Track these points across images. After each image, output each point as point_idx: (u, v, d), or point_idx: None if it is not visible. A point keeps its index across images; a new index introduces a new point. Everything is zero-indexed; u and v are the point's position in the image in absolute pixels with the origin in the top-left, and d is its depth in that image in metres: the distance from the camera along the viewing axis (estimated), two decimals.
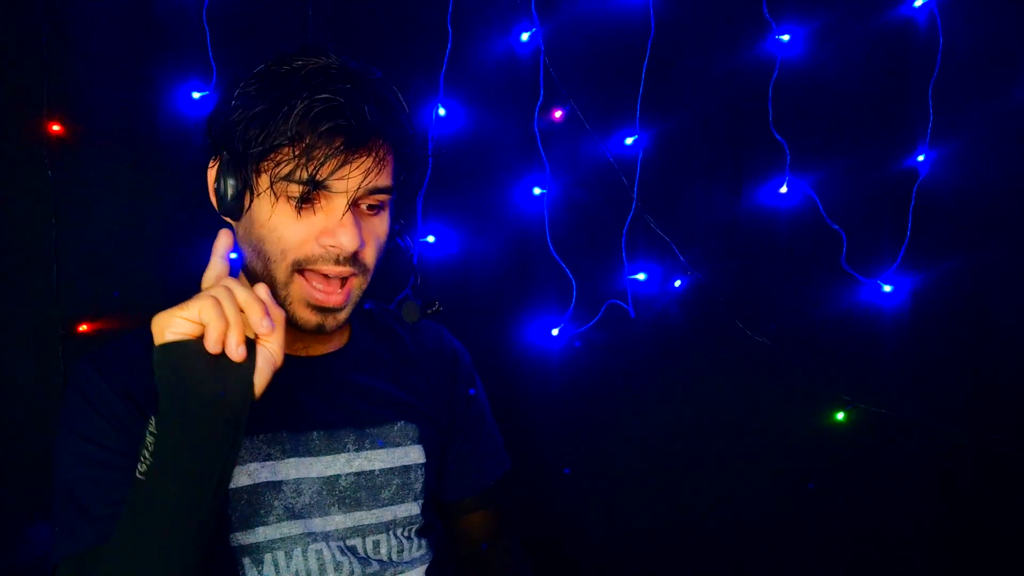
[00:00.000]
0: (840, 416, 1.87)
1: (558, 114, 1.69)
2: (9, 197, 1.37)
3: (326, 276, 0.98)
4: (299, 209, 0.95)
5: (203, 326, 0.81)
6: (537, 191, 1.69)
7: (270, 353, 0.86)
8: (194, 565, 0.83)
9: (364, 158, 0.94)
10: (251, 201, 0.97)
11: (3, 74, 1.36)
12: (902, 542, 1.94)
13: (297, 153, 0.91)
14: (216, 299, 0.82)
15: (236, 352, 0.82)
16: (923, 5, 1.84)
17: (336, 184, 0.94)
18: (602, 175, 1.72)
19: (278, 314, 0.86)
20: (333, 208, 0.96)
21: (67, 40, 1.38)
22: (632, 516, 1.82)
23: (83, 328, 1.39)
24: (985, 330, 1.94)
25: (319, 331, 1.00)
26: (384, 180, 0.98)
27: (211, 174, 1.02)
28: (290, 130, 0.91)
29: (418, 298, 1.09)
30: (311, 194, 0.94)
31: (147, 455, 0.82)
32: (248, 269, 1.01)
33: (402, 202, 1.09)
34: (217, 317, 0.81)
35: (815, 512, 1.88)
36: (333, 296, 0.98)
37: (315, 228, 0.96)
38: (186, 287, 1.31)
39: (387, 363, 1.15)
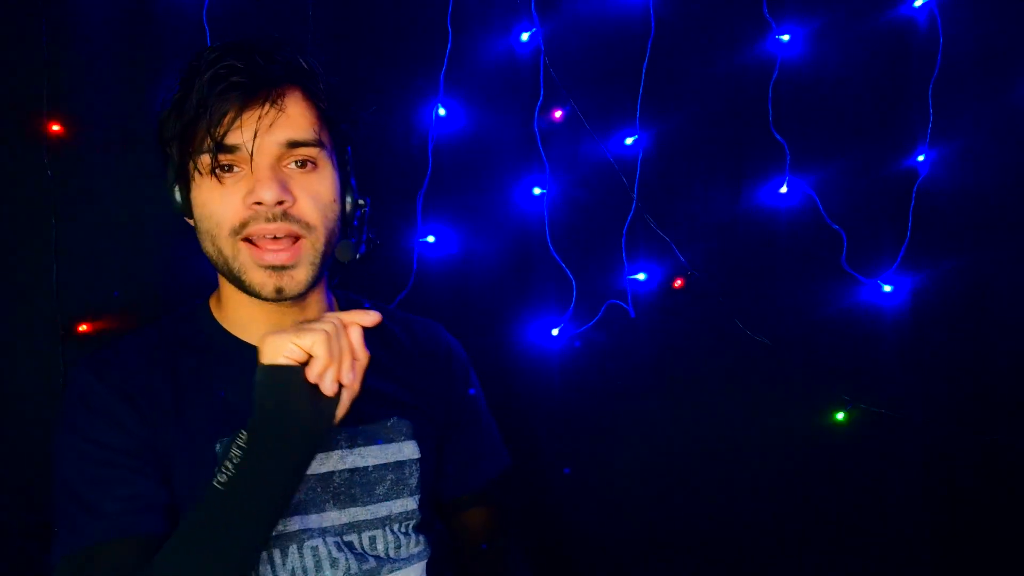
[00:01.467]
0: (840, 416, 1.87)
1: (558, 114, 1.69)
2: (9, 197, 1.37)
3: (275, 239, 0.97)
4: (220, 179, 0.96)
5: (310, 356, 0.86)
6: (537, 191, 1.69)
7: (351, 390, 0.90)
8: (245, 573, 0.88)
9: (260, 108, 0.95)
10: (190, 191, 0.99)
11: (3, 74, 1.36)
12: (902, 542, 1.94)
13: (202, 123, 0.94)
14: (328, 335, 0.86)
15: (330, 389, 0.87)
16: (923, 5, 1.84)
17: (235, 136, 0.94)
18: (602, 175, 1.72)
19: (364, 355, 0.91)
20: (253, 169, 0.96)
21: (67, 40, 1.38)
22: (632, 516, 1.82)
23: (83, 328, 1.39)
24: (985, 330, 1.95)
25: (279, 296, 0.98)
26: (299, 133, 0.98)
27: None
28: (194, 102, 0.93)
29: (352, 237, 1.09)
30: (220, 159, 0.95)
31: (230, 466, 0.85)
32: (212, 264, 1.02)
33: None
34: (326, 354, 0.85)
35: (815, 512, 1.88)
36: (282, 253, 0.97)
37: (240, 192, 0.97)
38: (186, 287, 1.31)
39: (381, 361, 1.15)
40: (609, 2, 1.71)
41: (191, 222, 1.04)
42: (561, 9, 1.67)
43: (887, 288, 1.87)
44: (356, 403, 1.09)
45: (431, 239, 1.62)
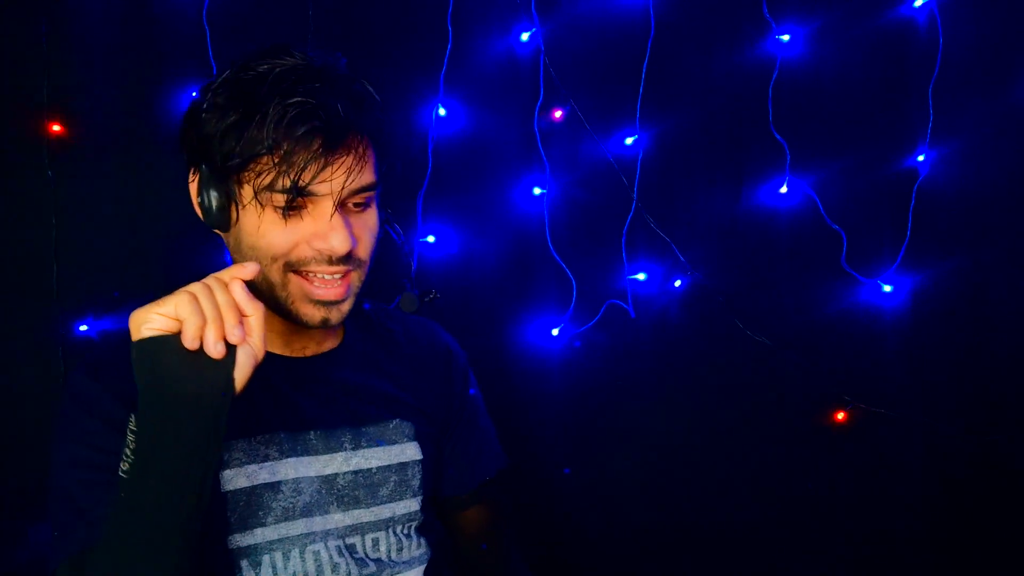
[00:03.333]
0: (840, 416, 1.87)
1: (558, 114, 1.69)
2: (9, 197, 1.37)
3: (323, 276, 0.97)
4: (286, 216, 0.95)
5: (180, 322, 0.79)
6: (537, 191, 1.69)
7: (251, 348, 0.83)
8: (183, 566, 0.83)
9: (344, 157, 0.93)
10: (237, 213, 0.96)
11: (3, 74, 1.36)
12: (902, 542, 1.94)
13: (277, 161, 0.90)
14: (193, 295, 0.80)
15: (214, 349, 0.80)
16: (923, 5, 1.84)
17: (320, 187, 0.93)
18: (602, 175, 1.72)
19: (255, 308, 0.84)
20: (320, 211, 0.95)
21: (67, 40, 1.38)
22: (632, 516, 1.82)
23: (83, 328, 1.39)
24: (985, 330, 1.95)
25: (324, 326, 0.99)
26: (368, 177, 0.97)
27: (193, 188, 1.01)
28: (267, 138, 0.89)
29: (415, 288, 1.09)
30: (296, 200, 0.94)
31: (128, 453, 0.81)
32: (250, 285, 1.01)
33: (390, 192, 1.08)
34: (193, 313, 0.79)
35: (815, 512, 1.88)
36: (334, 289, 0.98)
37: (305, 232, 0.95)
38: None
39: (381, 361, 1.16)
40: (609, 2, 1.71)
41: (219, 233, 1.01)
42: (561, 9, 1.67)
43: (887, 288, 1.87)
44: (358, 404, 1.09)
45: (431, 239, 1.62)
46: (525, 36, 1.66)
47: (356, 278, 1.01)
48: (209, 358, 0.80)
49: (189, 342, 0.79)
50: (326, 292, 0.97)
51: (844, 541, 1.91)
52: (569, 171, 1.71)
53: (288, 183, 0.91)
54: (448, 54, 1.59)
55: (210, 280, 0.83)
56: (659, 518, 1.82)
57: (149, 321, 0.79)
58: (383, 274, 1.59)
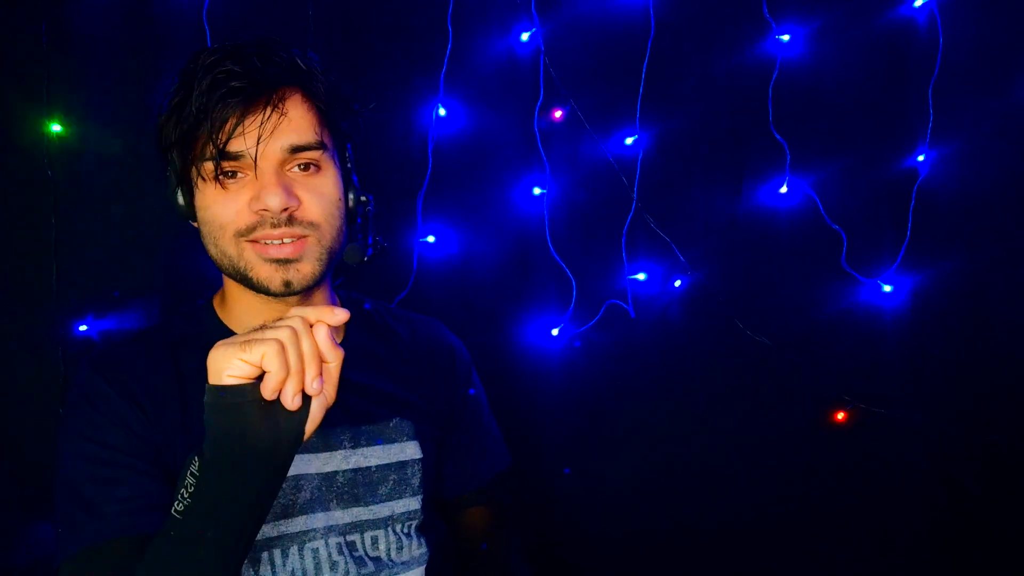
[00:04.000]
0: (840, 416, 1.87)
1: (558, 114, 1.69)
2: (9, 197, 1.37)
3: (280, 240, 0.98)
4: (223, 185, 0.96)
5: (262, 370, 0.76)
6: (537, 191, 1.69)
7: (326, 397, 0.80)
8: None
9: (262, 111, 0.94)
10: (193, 195, 0.99)
11: (3, 74, 1.36)
12: (902, 542, 1.94)
13: (203, 129, 0.93)
14: (282, 344, 0.75)
15: (292, 403, 0.77)
16: (923, 5, 1.84)
17: (238, 143, 0.94)
18: (602, 175, 1.72)
19: (336, 355, 0.80)
20: (257, 175, 0.96)
21: (67, 40, 1.38)
22: (632, 516, 1.82)
23: (83, 328, 1.39)
24: (985, 330, 1.94)
25: (288, 289, 0.99)
26: (302, 136, 0.97)
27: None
28: (194, 109, 0.92)
29: (364, 240, 1.09)
30: (224, 166, 0.95)
31: (185, 495, 0.78)
32: (217, 267, 1.02)
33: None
34: (280, 368, 0.75)
35: (815, 512, 1.88)
36: (285, 247, 0.98)
37: (245, 197, 0.97)
38: (187, 287, 1.31)
39: (383, 360, 1.16)
40: (609, 2, 1.71)
41: (195, 225, 1.04)
42: (561, 9, 1.67)
43: (887, 288, 1.87)
44: (358, 402, 1.09)
45: (431, 239, 1.62)
46: (525, 36, 1.66)
47: (313, 242, 1.00)
48: (284, 408, 0.77)
49: (269, 394, 0.76)
50: (278, 251, 0.97)
51: (844, 541, 1.91)
52: (569, 171, 1.71)
53: (213, 148, 0.93)
54: (448, 54, 1.59)
55: (296, 323, 0.78)
56: (659, 518, 1.82)
57: (232, 368, 0.75)
58: (384, 274, 1.60)
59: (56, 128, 1.37)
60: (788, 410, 1.86)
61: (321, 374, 0.78)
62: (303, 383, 0.77)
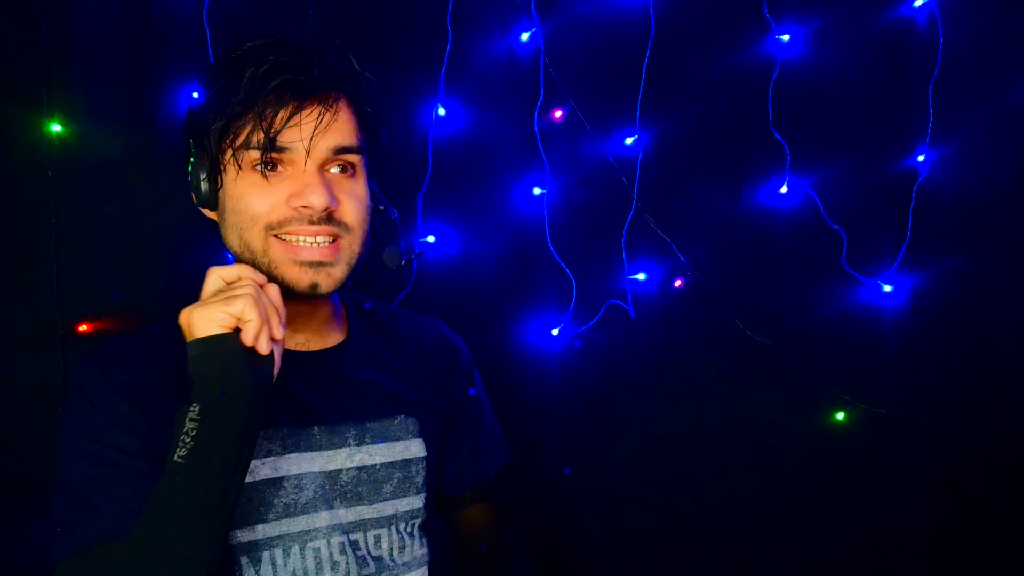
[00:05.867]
0: (840, 416, 1.87)
1: (558, 114, 1.69)
2: (9, 197, 1.37)
3: (315, 239, 0.99)
4: (265, 175, 0.97)
5: (241, 321, 0.88)
6: (537, 191, 1.69)
7: (281, 345, 0.93)
8: (215, 555, 0.86)
9: (315, 107, 0.96)
10: (222, 183, 1.00)
11: (3, 74, 1.36)
12: (902, 542, 1.94)
13: (251, 117, 0.94)
14: (254, 298, 0.88)
15: (265, 348, 0.89)
16: (923, 5, 1.84)
17: (290, 135, 0.95)
18: (602, 175, 1.72)
19: (284, 311, 0.94)
20: (299, 170, 0.98)
21: (67, 40, 1.38)
22: (632, 516, 1.82)
23: (83, 328, 1.39)
24: (985, 330, 1.94)
25: (313, 292, 1.00)
26: (347, 139, 1.00)
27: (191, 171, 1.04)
28: (242, 96, 0.94)
29: (401, 244, 1.12)
30: (270, 156, 0.96)
31: (187, 439, 0.85)
32: (236, 258, 1.03)
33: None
34: (258, 316, 0.88)
35: (815, 512, 1.88)
36: (320, 250, 0.99)
37: (284, 192, 0.98)
38: (186, 287, 1.31)
39: (386, 358, 1.16)
40: (609, 2, 1.71)
41: (210, 214, 1.05)
42: (561, 9, 1.67)
43: (887, 288, 1.87)
44: (363, 399, 1.09)
45: (431, 239, 1.62)
46: (525, 36, 1.66)
47: (346, 246, 1.02)
48: (257, 355, 0.89)
49: (250, 340, 0.88)
50: (310, 254, 0.99)
51: (844, 541, 1.91)
52: (569, 171, 1.71)
53: (261, 136, 0.94)
54: (448, 54, 1.59)
55: (250, 282, 0.92)
56: (659, 518, 1.82)
57: (218, 319, 0.87)
58: (384, 274, 1.60)
59: (56, 128, 1.37)
60: (788, 410, 1.86)
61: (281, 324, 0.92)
62: (272, 331, 0.90)
